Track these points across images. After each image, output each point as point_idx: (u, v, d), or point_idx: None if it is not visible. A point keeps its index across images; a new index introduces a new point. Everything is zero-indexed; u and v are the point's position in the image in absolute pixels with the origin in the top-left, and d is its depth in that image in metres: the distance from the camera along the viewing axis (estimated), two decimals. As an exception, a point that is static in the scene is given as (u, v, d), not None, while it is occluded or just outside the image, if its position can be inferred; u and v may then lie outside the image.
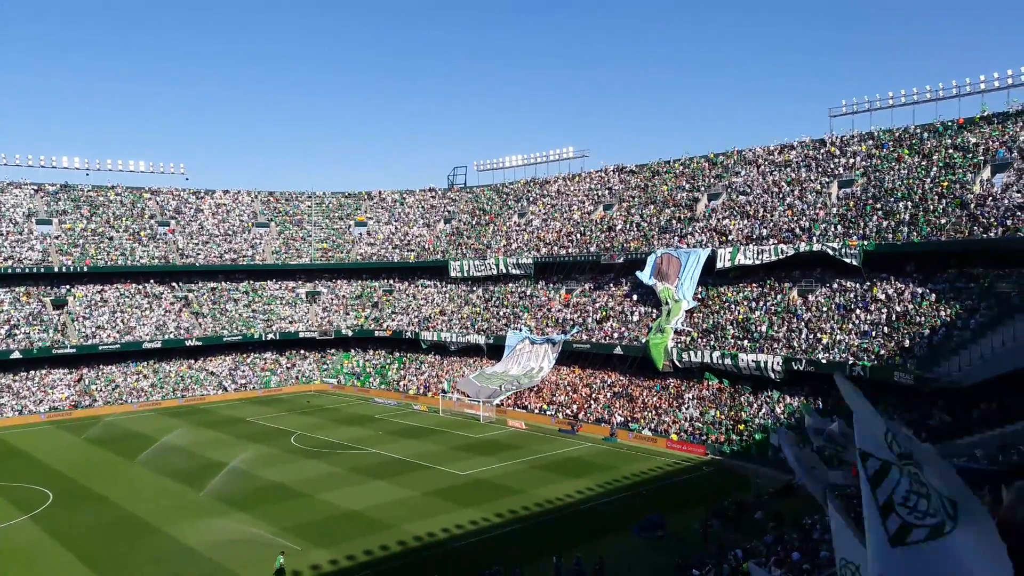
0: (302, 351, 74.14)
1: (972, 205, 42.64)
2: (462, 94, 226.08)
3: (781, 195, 54.12)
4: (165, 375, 66.32)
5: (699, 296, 52.29)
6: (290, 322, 73.62)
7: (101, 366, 64.84)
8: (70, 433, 51.96)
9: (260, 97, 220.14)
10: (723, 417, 44.61)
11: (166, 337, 66.71)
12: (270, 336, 71.30)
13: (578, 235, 65.27)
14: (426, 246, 78.14)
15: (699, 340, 48.97)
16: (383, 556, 27.89)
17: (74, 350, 62.66)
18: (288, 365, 72.53)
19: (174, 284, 72.77)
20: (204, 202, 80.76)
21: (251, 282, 76.56)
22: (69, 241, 69.29)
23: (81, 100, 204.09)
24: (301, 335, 72.71)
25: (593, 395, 52.72)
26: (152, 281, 71.78)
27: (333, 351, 74.78)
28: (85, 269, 67.46)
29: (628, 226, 62.08)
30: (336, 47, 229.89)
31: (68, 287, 67.81)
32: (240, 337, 69.90)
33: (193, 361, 68.80)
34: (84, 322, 65.31)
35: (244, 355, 71.47)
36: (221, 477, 37.30)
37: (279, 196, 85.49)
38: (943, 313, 40.32)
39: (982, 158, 45.86)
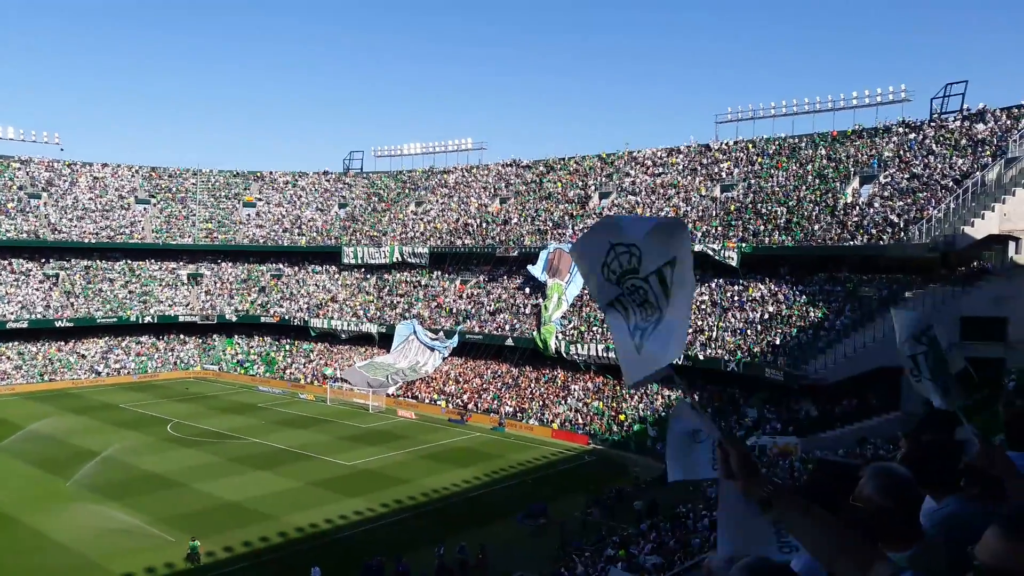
0: (182, 336, 71.25)
1: (841, 213, 45.51)
2: (360, 78, 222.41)
3: (667, 196, 56.11)
4: (31, 357, 62.39)
5: (585, 291, 53.60)
6: (170, 305, 70.63)
7: (-42, 347, 60.44)
8: (-80, 418, 48.22)
9: (145, 66, 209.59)
10: (605, 408, 46.02)
11: (33, 317, 62.76)
12: (148, 319, 68.16)
13: (475, 226, 65.56)
14: (319, 230, 76.58)
15: (586, 334, 50.25)
16: (263, 547, 27.41)
17: (-73, 329, 58.15)
18: (166, 350, 69.61)
19: (44, 261, 68.49)
20: (80, 175, 76.25)
21: (129, 261, 72.86)
22: (-76, 211, 64.11)
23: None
24: (181, 319, 69.88)
25: (484, 385, 53.23)
26: (20, 257, 67.34)
27: (216, 336, 72.25)
28: (-58, 242, 62.64)
29: (523, 220, 62.86)
30: (229, 19, 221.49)
31: (-79, 260, 62.81)
32: (115, 319, 66.52)
33: (63, 343, 65.05)
34: (-61, 299, 60.64)
35: (119, 338, 68.07)
36: (91, 466, 35.60)
37: (162, 172, 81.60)
38: (812, 314, 42.91)
39: (852, 169, 48.97)
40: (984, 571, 1.48)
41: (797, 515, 2.25)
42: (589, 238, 2.69)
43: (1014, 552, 1.44)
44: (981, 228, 37.17)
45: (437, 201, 72.85)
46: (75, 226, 70.28)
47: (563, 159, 68.62)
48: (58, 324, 63.69)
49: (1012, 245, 37.95)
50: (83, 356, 64.97)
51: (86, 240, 69.70)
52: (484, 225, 65.03)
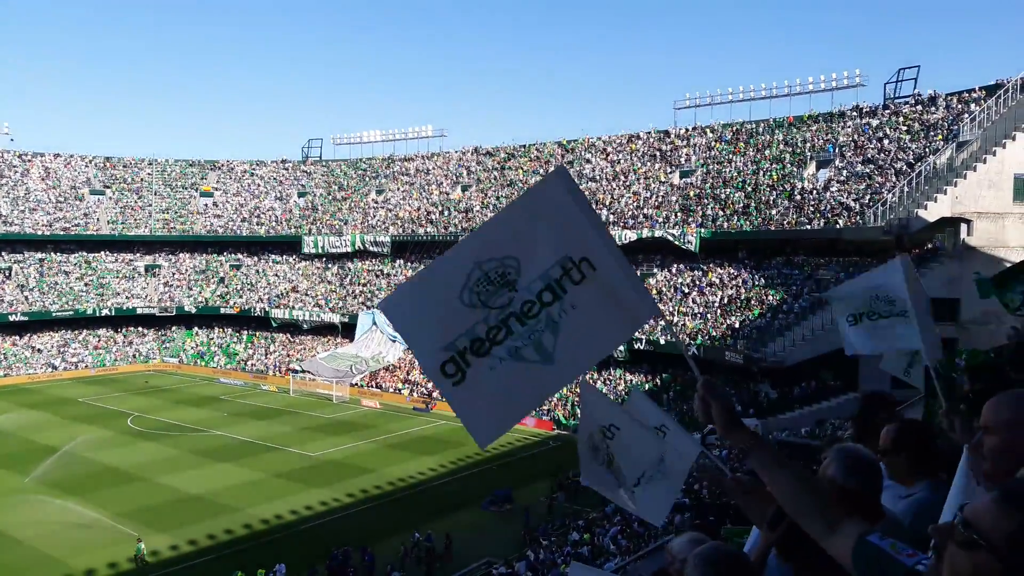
0: (140, 328, 70.03)
1: (798, 198, 46.27)
2: (318, 64, 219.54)
3: (627, 183, 56.51)
4: (-17, 353, 60.94)
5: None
6: (127, 297, 69.32)
7: (-95, 343, 58.70)
8: None
9: (97, 54, 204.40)
10: (570, 393, 46.31)
11: (-16, 312, 61.24)
12: (104, 312, 66.83)
13: (436, 214, 65.32)
14: (278, 220, 75.63)
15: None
16: (227, 540, 27.23)
17: None
18: (125, 343, 68.39)
19: (-6, 254, 66.78)
20: (31, 165, 74.26)
21: (84, 253, 71.34)
22: None
23: None
24: (139, 311, 68.61)
25: (447, 373, 53.13)
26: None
27: (175, 328, 71.12)
28: None
29: (485, 207, 62.81)
30: (184, 5, 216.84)
31: None
32: (71, 312, 65.12)
33: (18, 338, 63.55)
34: None
35: (76, 331, 66.71)
36: (51, 461, 35.01)
37: (116, 162, 79.76)
38: (770, 297, 43.65)
39: (808, 154, 49.75)
40: (970, 542, 1.49)
41: (775, 467, 2.29)
42: (424, 282, 2.68)
43: (1009, 518, 1.45)
44: (934, 211, 38.03)
45: (398, 189, 72.41)
46: (28, 218, 68.55)
47: (524, 146, 68.63)
48: (12, 318, 62.21)
49: (964, 227, 38.88)
50: (39, 350, 63.57)
51: (39, 232, 68.10)
52: (446, 213, 64.83)
